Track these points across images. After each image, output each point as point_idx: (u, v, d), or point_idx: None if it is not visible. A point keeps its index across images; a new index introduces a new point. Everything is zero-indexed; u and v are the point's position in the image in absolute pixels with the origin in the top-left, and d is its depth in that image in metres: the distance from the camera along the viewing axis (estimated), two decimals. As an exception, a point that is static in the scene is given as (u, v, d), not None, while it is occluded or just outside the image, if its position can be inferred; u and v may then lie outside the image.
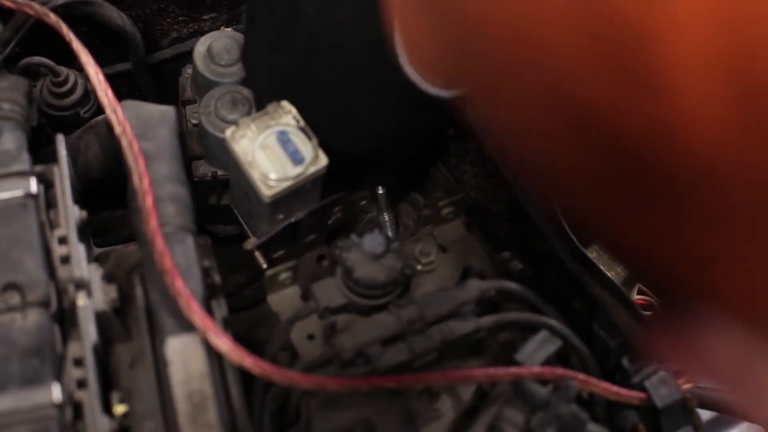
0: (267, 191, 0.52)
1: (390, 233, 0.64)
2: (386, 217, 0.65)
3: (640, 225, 0.27)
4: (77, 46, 0.56)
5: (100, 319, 0.48)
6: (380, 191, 0.64)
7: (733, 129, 0.21)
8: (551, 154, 0.27)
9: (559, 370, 0.53)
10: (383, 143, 0.59)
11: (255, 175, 0.53)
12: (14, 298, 0.46)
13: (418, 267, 0.61)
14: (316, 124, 0.55)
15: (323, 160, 0.53)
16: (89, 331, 0.46)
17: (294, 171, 0.53)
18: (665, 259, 0.27)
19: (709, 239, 0.24)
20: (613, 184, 0.26)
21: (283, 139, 0.53)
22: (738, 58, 0.21)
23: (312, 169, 0.53)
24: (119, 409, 0.46)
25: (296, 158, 0.53)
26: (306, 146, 0.54)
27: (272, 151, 0.53)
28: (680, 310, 0.29)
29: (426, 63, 0.35)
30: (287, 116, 0.54)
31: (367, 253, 0.54)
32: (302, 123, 0.54)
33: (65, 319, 0.48)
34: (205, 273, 0.51)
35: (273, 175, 0.52)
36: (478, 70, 0.29)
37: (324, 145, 0.54)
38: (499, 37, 0.26)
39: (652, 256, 0.27)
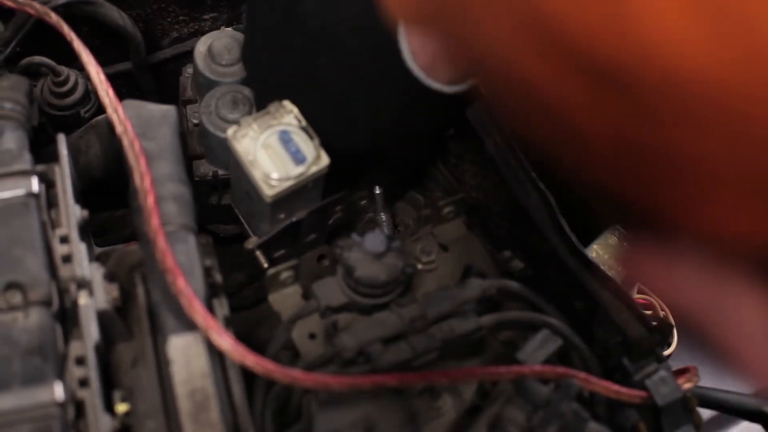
0: (269, 191, 0.52)
1: (386, 233, 0.64)
2: (383, 216, 0.65)
3: (613, 140, 0.27)
4: (78, 45, 0.56)
5: (102, 318, 0.48)
6: (377, 191, 0.64)
7: (691, 31, 0.23)
8: (535, 84, 0.29)
9: (560, 369, 0.53)
10: (384, 142, 0.59)
11: (257, 175, 0.53)
12: (16, 298, 0.46)
13: (419, 266, 0.61)
14: (316, 123, 0.55)
15: (325, 160, 0.53)
16: (91, 330, 0.46)
17: (296, 171, 0.53)
18: (640, 178, 0.28)
19: (679, 150, 0.25)
20: (592, 105, 0.27)
21: (285, 139, 0.54)
22: None
23: (314, 169, 0.53)
24: (121, 407, 0.46)
25: (298, 158, 0.53)
26: (308, 146, 0.54)
27: (274, 150, 0.53)
28: (656, 240, 0.30)
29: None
30: (289, 116, 0.54)
31: (368, 252, 0.54)
32: (304, 123, 0.54)
33: (67, 318, 0.48)
34: (207, 272, 0.51)
35: (275, 175, 0.53)
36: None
37: (324, 144, 0.54)
38: None
39: (626, 178, 0.28)
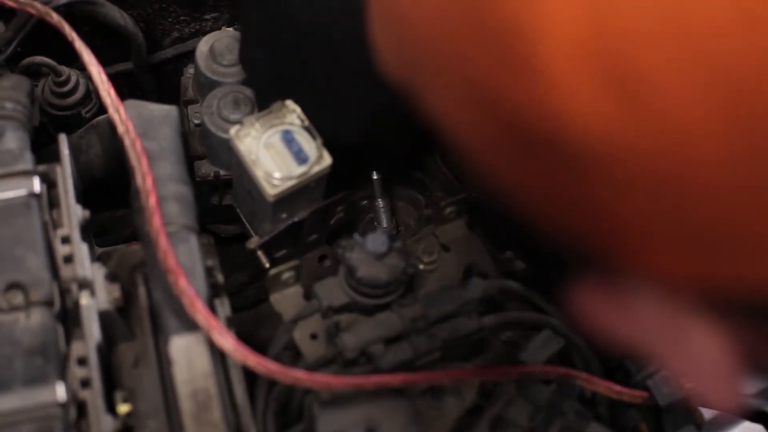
0: (271, 190, 0.52)
1: (384, 220, 0.64)
2: (380, 202, 0.64)
3: (550, 199, 0.30)
4: (79, 45, 0.56)
5: (104, 318, 0.48)
6: (375, 176, 0.63)
7: (602, 106, 0.25)
8: (467, 135, 0.32)
9: (562, 369, 0.53)
10: (380, 130, 0.58)
11: (259, 174, 0.53)
12: (18, 298, 0.46)
13: (421, 266, 0.61)
14: (313, 119, 0.54)
15: (327, 160, 0.53)
16: (93, 331, 0.46)
17: (298, 170, 0.53)
18: (579, 230, 0.30)
19: (607, 208, 0.28)
20: (518, 162, 0.30)
21: (288, 139, 0.53)
22: (600, 46, 0.25)
23: (316, 169, 0.53)
24: (123, 408, 0.46)
25: (300, 157, 0.53)
26: (310, 145, 0.54)
27: (276, 150, 0.53)
28: (607, 280, 0.33)
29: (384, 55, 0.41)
30: (291, 115, 0.54)
31: (370, 252, 0.54)
32: (306, 122, 0.54)
33: (68, 318, 0.48)
34: (208, 272, 0.51)
35: (277, 174, 0.52)
36: (413, 63, 0.35)
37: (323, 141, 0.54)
38: (421, 36, 0.33)
39: (567, 229, 0.31)
